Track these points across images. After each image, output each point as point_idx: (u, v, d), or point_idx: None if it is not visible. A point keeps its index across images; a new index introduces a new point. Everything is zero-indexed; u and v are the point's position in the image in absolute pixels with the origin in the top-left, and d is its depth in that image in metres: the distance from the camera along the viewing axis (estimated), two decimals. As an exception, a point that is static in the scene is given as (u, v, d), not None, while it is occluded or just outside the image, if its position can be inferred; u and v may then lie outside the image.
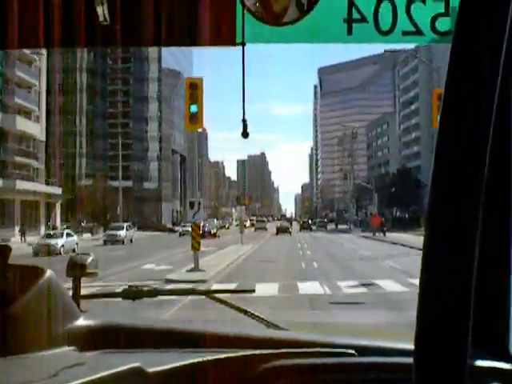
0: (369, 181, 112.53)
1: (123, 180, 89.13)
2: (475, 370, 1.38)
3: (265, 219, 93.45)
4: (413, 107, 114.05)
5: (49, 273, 1.73)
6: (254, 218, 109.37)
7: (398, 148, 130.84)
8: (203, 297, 2.49)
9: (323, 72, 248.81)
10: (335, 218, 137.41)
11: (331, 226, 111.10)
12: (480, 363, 1.45)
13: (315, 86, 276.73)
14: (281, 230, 73.16)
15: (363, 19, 1.95)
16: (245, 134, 2.07)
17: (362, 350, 1.72)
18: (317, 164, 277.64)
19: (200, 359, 1.64)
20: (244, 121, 2.05)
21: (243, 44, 1.96)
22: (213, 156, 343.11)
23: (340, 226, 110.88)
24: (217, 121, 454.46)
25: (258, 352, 1.69)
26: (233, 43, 1.97)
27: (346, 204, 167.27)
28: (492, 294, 1.42)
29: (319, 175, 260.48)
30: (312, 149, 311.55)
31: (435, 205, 0.84)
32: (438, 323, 0.81)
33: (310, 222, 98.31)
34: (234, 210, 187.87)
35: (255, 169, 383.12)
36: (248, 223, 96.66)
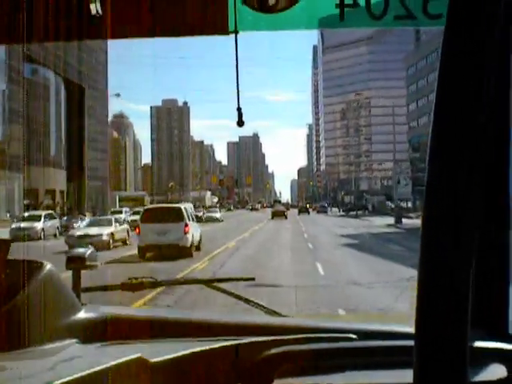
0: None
1: None
2: (475, 351, 1.36)
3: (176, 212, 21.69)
4: None
5: (48, 266, 1.69)
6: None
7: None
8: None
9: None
10: (377, 203, 77.20)
11: (366, 221, 58.39)
12: (480, 344, 1.42)
13: (314, 47, 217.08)
14: (276, 215, 61.17)
15: (355, 4, 1.90)
16: (240, 123, 1.92)
17: (363, 335, 1.69)
18: (318, 142, 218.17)
19: (201, 348, 1.62)
20: (239, 109, 1.91)
21: (236, 32, 1.88)
22: (199, 138, 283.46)
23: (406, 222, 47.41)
24: (207, 107, 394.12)
25: (258, 339, 1.66)
26: (225, 32, 1.90)
27: (369, 183, 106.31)
28: (491, 276, 1.43)
29: (322, 151, 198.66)
30: (310, 126, 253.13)
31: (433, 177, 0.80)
32: (438, 306, 0.79)
33: (307, 206, 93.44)
34: (209, 193, 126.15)
35: (247, 152, 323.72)
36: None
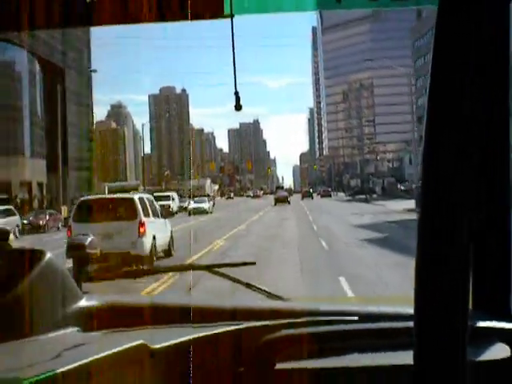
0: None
1: None
2: (479, 332, 1.40)
3: None
4: None
5: (48, 255, 1.67)
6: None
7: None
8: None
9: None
10: (387, 186, 71.62)
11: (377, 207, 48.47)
12: (482, 324, 1.44)
13: (314, 28, 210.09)
14: (279, 200, 58.28)
15: None
16: (238, 107, 1.91)
17: (365, 317, 1.68)
18: (320, 126, 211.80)
19: (203, 333, 1.61)
20: (236, 93, 1.90)
21: (231, 16, 1.85)
22: (199, 126, 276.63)
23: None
24: (206, 95, 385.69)
25: (259, 323, 1.65)
26: (221, 15, 1.88)
27: (376, 165, 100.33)
28: (492, 256, 1.44)
29: (324, 135, 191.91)
30: (311, 110, 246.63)
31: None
32: (437, 286, 0.79)
33: (310, 190, 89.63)
34: (209, 181, 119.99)
35: (248, 138, 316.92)
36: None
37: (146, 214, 14.51)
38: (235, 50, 1.90)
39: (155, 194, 49.42)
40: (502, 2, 1.21)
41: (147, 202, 15.20)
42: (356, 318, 1.66)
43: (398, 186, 72.25)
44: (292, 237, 21.63)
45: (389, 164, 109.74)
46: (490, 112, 1.31)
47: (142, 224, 13.68)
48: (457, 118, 0.77)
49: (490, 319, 1.44)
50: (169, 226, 16.55)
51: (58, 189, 51.88)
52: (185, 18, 1.87)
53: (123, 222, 13.95)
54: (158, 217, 15.73)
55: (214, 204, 56.20)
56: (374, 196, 71.03)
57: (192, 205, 45.12)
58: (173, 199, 44.82)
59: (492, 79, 1.28)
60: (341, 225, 26.91)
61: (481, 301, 1.49)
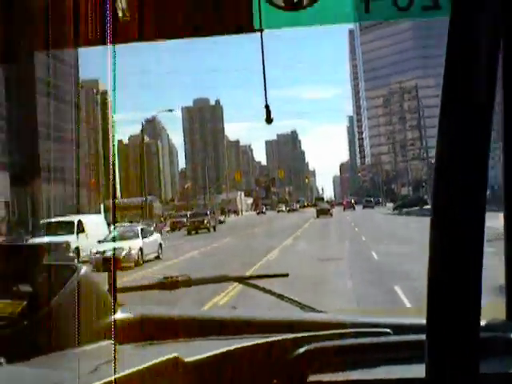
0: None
1: None
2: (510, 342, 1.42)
3: None
4: None
5: (83, 269, 1.72)
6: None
7: None
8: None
9: None
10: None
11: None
12: None
13: (351, 31, 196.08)
14: (321, 213, 54.88)
15: None
16: (268, 120, 1.90)
17: (398, 329, 1.68)
18: (360, 133, 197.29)
19: (237, 346, 1.60)
20: (267, 106, 1.90)
21: (261, 30, 1.87)
22: (235, 138, 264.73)
23: None
24: (241, 114, 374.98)
25: (294, 336, 1.65)
26: (251, 30, 1.89)
27: (429, 171, 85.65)
28: None
29: (365, 142, 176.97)
30: (351, 118, 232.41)
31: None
32: (448, 299, 0.77)
33: (352, 202, 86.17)
34: (240, 194, 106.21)
35: (286, 149, 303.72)
36: None
37: None
38: (266, 64, 1.87)
39: (50, 221, 27.40)
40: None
41: None
42: (388, 330, 1.63)
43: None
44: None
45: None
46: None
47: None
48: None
49: None
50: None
51: (30, 207, 37.69)
52: (213, 33, 1.86)
53: None
54: None
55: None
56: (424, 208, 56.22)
57: (100, 245, 17.48)
58: (79, 232, 22.56)
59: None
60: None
61: None
